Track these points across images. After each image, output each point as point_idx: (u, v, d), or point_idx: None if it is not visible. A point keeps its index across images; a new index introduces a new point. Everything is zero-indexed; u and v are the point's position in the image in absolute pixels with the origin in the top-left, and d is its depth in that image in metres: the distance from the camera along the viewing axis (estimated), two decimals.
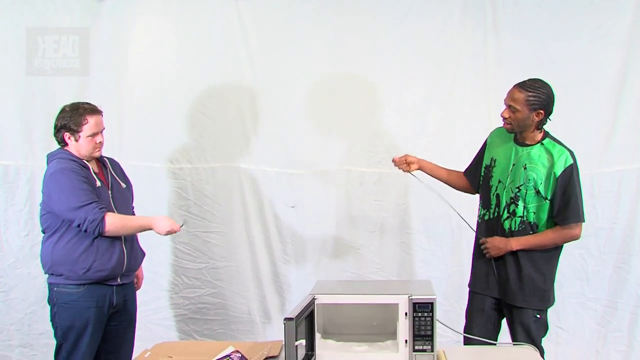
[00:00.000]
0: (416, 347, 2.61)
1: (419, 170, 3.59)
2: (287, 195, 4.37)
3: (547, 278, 3.24)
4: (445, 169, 3.62)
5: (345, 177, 4.38)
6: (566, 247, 4.18)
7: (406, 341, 2.62)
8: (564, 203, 3.13)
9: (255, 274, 4.40)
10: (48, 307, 3.26)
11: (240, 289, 4.38)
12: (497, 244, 3.24)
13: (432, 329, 2.60)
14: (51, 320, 3.24)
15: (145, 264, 4.05)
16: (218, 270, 4.37)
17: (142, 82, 4.32)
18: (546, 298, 3.25)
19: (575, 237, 3.21)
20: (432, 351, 2.60)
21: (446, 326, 2.97)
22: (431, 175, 3.62)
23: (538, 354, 2.75)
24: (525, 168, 3.19)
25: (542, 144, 3.19)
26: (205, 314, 4.38)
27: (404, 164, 3.55)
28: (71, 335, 3.17)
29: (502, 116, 3.23)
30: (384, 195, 4.35)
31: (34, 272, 4.10)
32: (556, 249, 3.26)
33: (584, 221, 3.20)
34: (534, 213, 3.18)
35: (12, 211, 4.20)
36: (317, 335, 2.73)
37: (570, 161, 3.12)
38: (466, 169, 3.58)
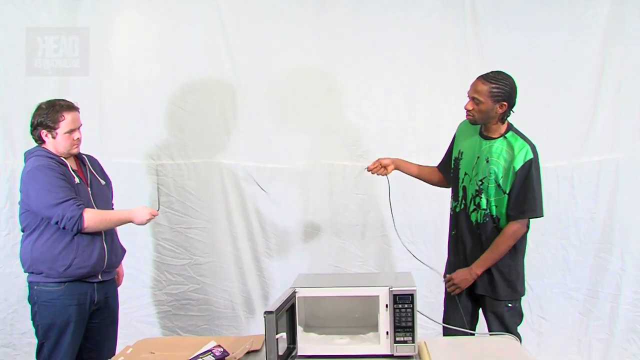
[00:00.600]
0: (397, 339, 2.61)
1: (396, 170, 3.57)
2: (269, 190, 4.37)
3: (513, 269, 3.26)
4: (419, 165, 3.63)
5: (327, 171, 4.39)
6: (547, 237, 4.27)
7: (387, 333, 2.63)
8: (521, 196, 3.14)
9: (239, 269, 4.40)
10: (29, 306, 3.25)
11: (224, 284, 4.38)
12: (463, 276, 3.27)
13: (412, 321, 2.61)
14: (32, 319, 3.22)
15: (128, 261, 4.04)
16: (201, 266, 4.36)
17: (122, 78, 4.30)
18: (515, 288, 3.28)
19: (523, 232, 3.22)
20: (413, 342, 2.60)
21: (427, 317, 2.97)
22: (406, 173, 3.62)
23: (518, 343, 2.77)
24: (487, 161, 3.21)
25: (505, 137, 3.20)
26: (189, 310, 4.37)
27: (381, 168, 3.51)
28: (53, 333, 3.15)
29: (465, 108, 3.23)
30: (366, 188, 4.35)
31: (15, 271, 4.05)
32: (520, 240, 3.27)
33: (542, 215, 3.22)
34: (496, 207, 3.20)
35: None
36: (299, 329, 2.73)
37: (531, 156, 3.13)
38: (439, 163, 3.60)
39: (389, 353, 2.62)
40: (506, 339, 2.84)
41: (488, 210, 3.22)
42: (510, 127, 3.24)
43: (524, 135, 3.22)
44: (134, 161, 4.28)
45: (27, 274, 3.23)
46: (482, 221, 3.24)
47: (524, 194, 3.13)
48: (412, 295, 2.62)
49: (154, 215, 3.26)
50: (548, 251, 4.28)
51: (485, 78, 3.18)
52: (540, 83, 4.24)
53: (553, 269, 4.31)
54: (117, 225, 3.33)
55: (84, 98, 4.13)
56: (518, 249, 3.27)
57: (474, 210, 3.26)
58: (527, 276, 4.22)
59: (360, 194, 4.36)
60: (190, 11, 4.29)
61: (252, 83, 4.33)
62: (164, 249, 4.33)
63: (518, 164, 3.12)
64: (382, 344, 2.64)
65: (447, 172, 3.52)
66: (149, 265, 4.34)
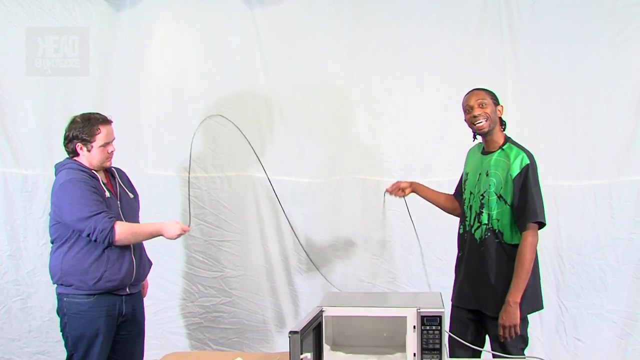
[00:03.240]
0: None
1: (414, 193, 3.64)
2: (302, 205, 4.37)
3: None
4: (435, 191, 3.64)
5: (360, 186, 4.37)
6: (584, 257, 4.18)
7: (414, 354, 2.60)
8: (522, 202, 3.10)
9: (270, 283, 4.40)
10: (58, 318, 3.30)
11: (255, 297, 4.39)
12: (506, 314, 3.09)
13: (440, 342, 2.58)
14: (62, 331, 3.27)
15: (161, 272, 4.12)
16: (233, 279, 4.38)
17: (158, 91, 4.36)
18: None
19: (536, 242, 3.12)
20: None
21: (456, 338, 2.95)
22: (422, 197, 3.64)
23: None
24: (487, 175, 3.21)
25: (503, 149, 3.21)
26: (220, 322, 4.38)
27: (398, 190, 3.61)
28: (82, 345, 3.19)
29: (475, 115, 3.22)
30: (399, 204, 4.28)
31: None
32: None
33: (543, 222, 3.13)
34: (497, 220, 3.16)
35: (30, 220, 4.26)
36: (326, 347, 2.73)
37: (527, 162, 3.12)
38: (454, 191, 3.60)
39: None
40: None
41: (490, 225, 3.18)
42: (507, 140, 3.26)
43: (520, 145, 3.22)
44: (169, 173, 4.32)
45: (55, 285, 3.28)
46: (484, 237, 3.20)
47: (524, 199, 3.09)
48: (440, 317, 2.60)
49: (185, 231, 3.28)
50: (584, 271, 4.18)
51: (476, 89, 3.32)
52: (578, 99, 4.18)
53: (589, 290, 4.20)
54: (147, 239, 3.34)
55: (122, 110, 4.23)
56: (539, 271, 3.21)
57: (477, 227, 3.23)
58: (561, 296, 4.23)
59: (393, 210, 4.30)
60: (227, 25, 4.33)
61: (286, 97, 4.35)
62: (197, 260, 4.36)
63: (514, 172, 3.11)
64: None
65: (460, 200, 3.50)
66: (181, 276, 4.36)
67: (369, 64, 4.33)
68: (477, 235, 3.24)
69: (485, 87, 3.31)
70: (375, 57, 4.32)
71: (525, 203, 3.09)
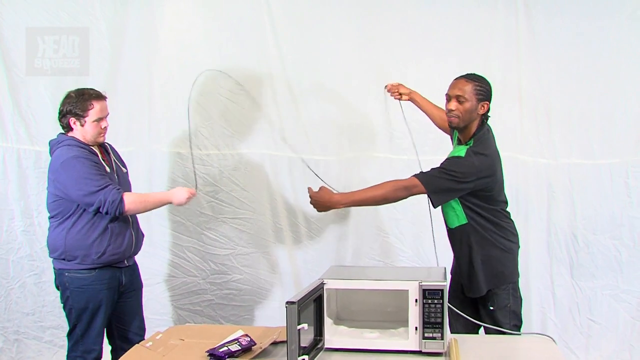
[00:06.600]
0: (426, 335, 2.56)
1: (410, 102, 3.70)
2: (315, 182, 4.33)
3: (494, 260, 3.12)
4: (436, 106, 3.60)
5: (373, 164, 4.33)
6: (599, 236, 4.11)
7: (416, 328, 2.58)
8: (433, 169, 3.04)
9: (282, 260, 4.40)
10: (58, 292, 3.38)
11: (267, 275, 4.39)
12: (321, 198, 3.13)
13: (442, 317, 2.55)
14: (63, 304, 3.36)
15: (173, 249, 4.16)
16: (245, 256, 4.37)
17: (170, 68, 4.33)
18: (494, 282, 3.13)
19: (407, 186, 3.04)
20: (442, 339, 2.54)
21: (458, 312, 2.92)
22: (420, 109, 3.66)
23: (554, 343, 2.66)
24: None
25: (467, 144, 3.09)
26: (232, 299, 4.40)
27: (397, 92, 3.63)
28: (85, 316, 3.28)
29: (448, 109, 3.11)
30: None
31: None
32: (486, 232, 3.12)
33: (428, 197, 3.06)
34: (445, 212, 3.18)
35: (44, 196, 4.17)
36: (329, 321, 2.71)
37: (462, 155, 3.01)
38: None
39: (417, 349, 2.57)
40: (541, 338, 2.74)
41: (445, 215, 3.24)
42: (474, 134, 3.10)
43: (482, 144, 3.07)
44: (181, 150, 4.31)
45: (53, 260, 3.35)
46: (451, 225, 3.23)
47: (437, 168, 3.03)
48: (442, 290, 2.56)
49: (193, 195, 3.35)
50: (599, 251, 4.12)
51: (467, 77, 3.10)
52: (594, 75, 4.09)
53: (604, 270, 4.14)
54: (156, 207, 3.42)
55: (134, 87, 4.24)
56: (502, 244, 3.14)
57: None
58: (575, 277, 4.18)
59: None
60: (239, 2, 4.30)
61: (299, 74, 4.31)
62: (209, 238, 4.36)
63: None
64: (410, 339, 2.59)
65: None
66: (193, 254, 4.37)
67: (381, 38, 4.27)
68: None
69: (479, 77, 3.12)
70: (387, 31, 4.26)
71: (432, 168, 3.04)
